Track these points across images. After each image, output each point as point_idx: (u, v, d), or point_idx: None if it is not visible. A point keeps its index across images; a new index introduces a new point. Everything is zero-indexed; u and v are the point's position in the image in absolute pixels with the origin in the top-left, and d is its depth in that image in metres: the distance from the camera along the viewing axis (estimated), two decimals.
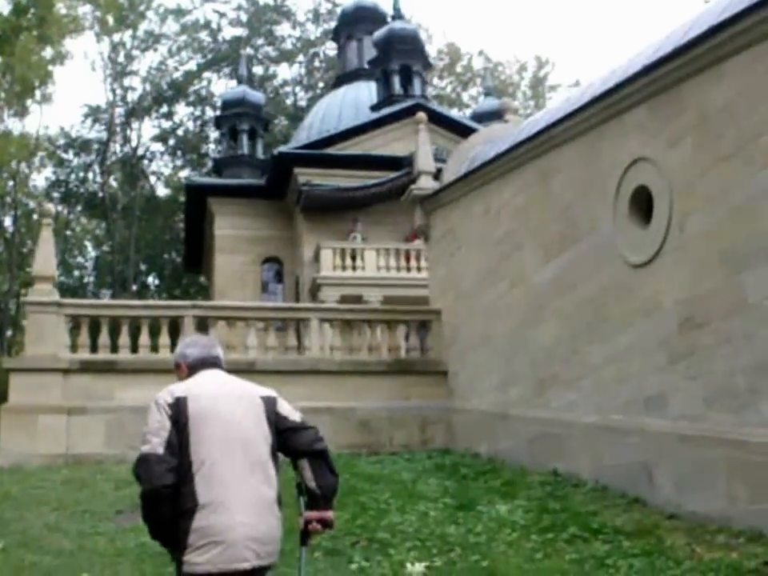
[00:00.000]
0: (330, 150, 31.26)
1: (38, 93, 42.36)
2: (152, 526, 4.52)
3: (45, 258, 16.61)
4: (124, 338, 16.61)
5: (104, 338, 16.61)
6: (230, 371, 13.76)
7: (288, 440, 4.74)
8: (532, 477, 12.13)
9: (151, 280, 58.55)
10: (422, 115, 19.88)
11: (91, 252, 58.68)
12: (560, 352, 12.86)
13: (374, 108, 34.31)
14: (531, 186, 14.13)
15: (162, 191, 57.25)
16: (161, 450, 4.42)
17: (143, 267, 56.47)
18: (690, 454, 9.60)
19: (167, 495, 4.39)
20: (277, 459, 4.70)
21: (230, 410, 4.63)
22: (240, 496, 4.44)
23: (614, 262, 11.50)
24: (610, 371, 11.47)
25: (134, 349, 16.66)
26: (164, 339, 16.70)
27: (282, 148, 33.38)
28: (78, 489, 12.13)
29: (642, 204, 11.00)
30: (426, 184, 18.57)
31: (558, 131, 13.18)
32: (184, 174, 57.04)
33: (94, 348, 16.62)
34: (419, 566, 7.48)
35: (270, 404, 4.77)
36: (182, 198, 55.31)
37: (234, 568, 4.37)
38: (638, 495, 10.29)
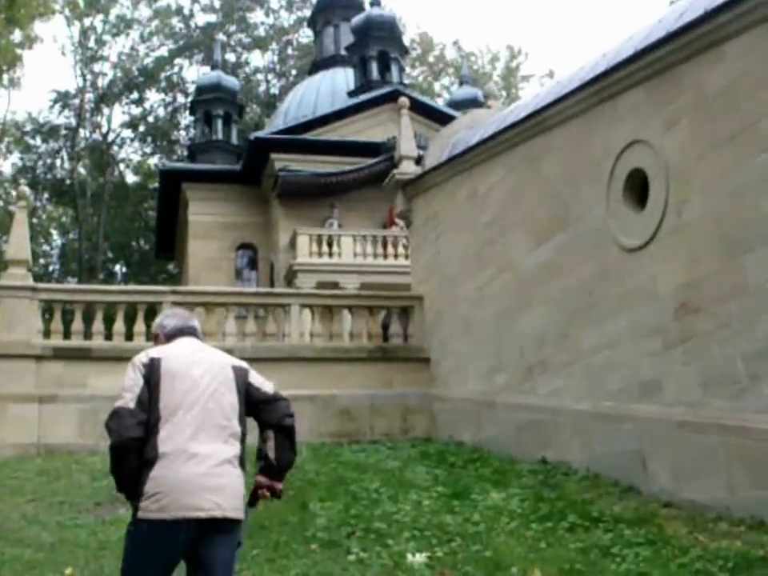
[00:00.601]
0: (308, 136, 30.94)
1: (5, 77, 41.66)
2: (118, 479, 4.65)
3: (19, 242, 16.16)
4: (98, 325, 16.17)
5: (78, 324, 16.17)
6: None
7: (261, 412, 4.95)
8: (521, 465, 11.92)
9: (119, 268, 57.92)
10: (404, 100, 19.64)
11: (57, 240, 58.02)
12: (549, 338, 12.66)
13: (351, 94, 34.06)
14: (520, 170, 13.92)
15: (131, 178, 56.75)
16: (132, 405, 4.61)
17: (110, 255, 55.85)
18: (687, 441, 9.42)
19: (135, 447, 4.54)
20: (244, 424, 4.86)
21: (200, 374, 4.81)
22: (201, 449, 4.58)
23: (606, 246, 11.31)
24: (602, 357, 11.28)
25: (109, 336, 16.26)
26: (140, 326, 16.32)
27: (259, 133, 33.06)
28: (54, 479, 11.74)
29: (637, 187, 10.84)
30: (408, 169, 18.31)
31: (548, 114, 12.97)
32: (154, 161, 56.64)
33: (67, 334, 16.21)
34: (420, 557, 7.24)
35: (241, 373, 4.95)
36: (153, 185, 55.15)
37: (187, 516, 4.46)
38: (632, 483, 10.14)
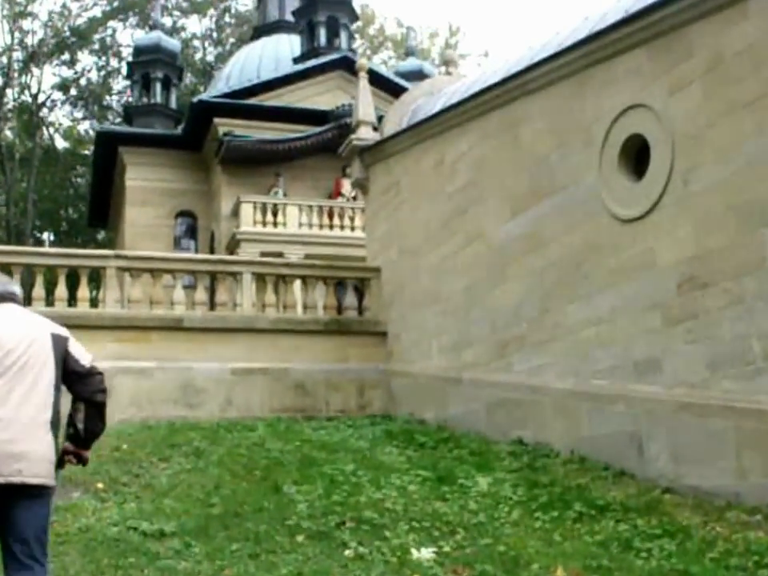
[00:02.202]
0: (252, 101, 29.86)
1: None
2: None
3: None
4: (38, 290, 15.07)
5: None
6: (155, 328, 12.27)
7: (74, 383, 4.99)
8: (498, 446, 11.25)
9: (47, 236, 56.10)
10: (363, 62, 18.84)
11: None
12: (527, 313, 11.99)
13: (297, 60, 32.93)
14: (495, 136, 13.20)
15: (60, 144, 54.91)
16: None
17: (38, 223, 54.02)
18: (691, 423, 8.84)
19: None
20: (58, 390, 4.92)
21: (18, 339, 4.81)
22: (10, 414, 4.63)
23: (597, 216, 10.66)
24: (590, 333, 10.64)
25: (50, 302, 15.20)
26: (83, 292, 15.33)
27: (203, 96, 31.90)
28: None
29: (635, 154, 10.20)
30: (366, 135, 17.48)
31: (530, 77, 12.26)
32: (85, 126, 54.95)
33: None
34: (426, 552, 6.52)
35: (60, 341, 4.96)
36: (84, 152, 53.54)
37: None
38: (625, 467, 9.56)
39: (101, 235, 52.30)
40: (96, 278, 16.08)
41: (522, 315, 12.07)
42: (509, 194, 12.64)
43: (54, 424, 4.87)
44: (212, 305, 17.35)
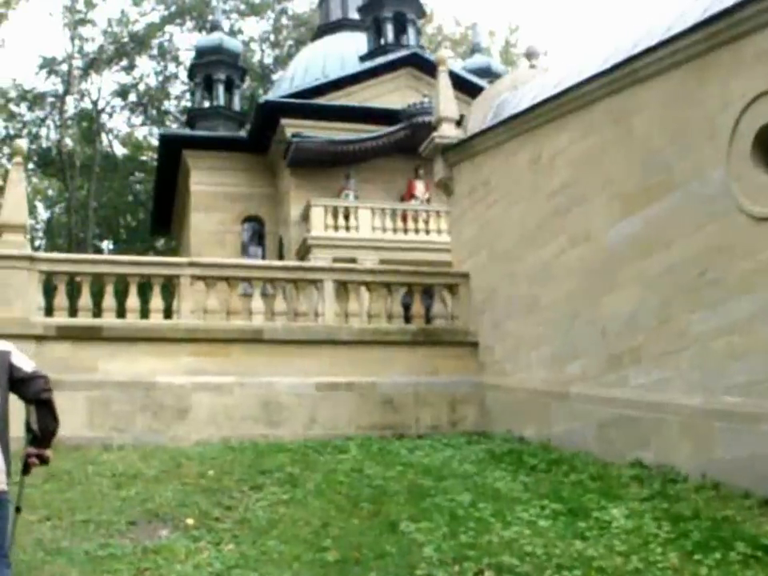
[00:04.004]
0: (320, 101, 28.99)
1: None
2: None
3: (15, 204, 14.03)
4: (109, 300, 14.27)
5: (86, 299, 14.29)
6: (234, 340, 13.03)
7: (19, 388, 5.52)
8: (617, 469, 10.20)
9: (105, 245, 55.67)
10: (442, 56, 17.95)
11: (42, 213, 55.66)
12: (643, 322, 10.93)
13: (363, 58, 31.99)
14: (601, 129, 12.17)
15: (119, 150, 54.58)
16: None
17: (97, 231, 53.64)
18: None
19: None
20: (6, 400, 5.49)
21: None
22: None
23: (726, 214, 9.63)
24: (721, 344, 9.57)
25: (121, 313, 14.34)
26: (156, 302, 14.48)
27: (269, 96, 31.08)
28: (68, 486, 9.76)
29: None
30: (449, 132, 16.54)
31: (641, 65, 11.24)
32: (143, 132, 54.59)
33: (73, 311, 14.34)
34: None
35: (2, 356, 5.51)
36: (142, 158, 53.16)
37: None
38: None
39: (159, 243, 51.76)
40: (168, 288, 15.20)
41: (638, 324, 11.03)
42: (618, 192, 11.61)
43: (4, 434, 5.49)
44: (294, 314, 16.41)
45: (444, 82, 17.05)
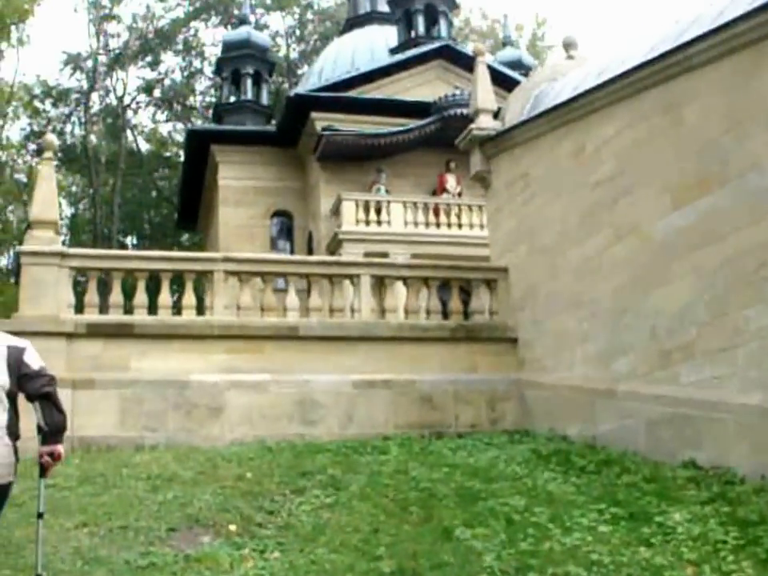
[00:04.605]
0: (350, 94, 28.63)
1: (14, 36, 39.65)
2: None
3: (45, 199, 13.79)
4: (141, 297, 13.94)
5: (117, 295, 13.99)
6: (269, 337, 12.99)
7: (23, 385, 5.56)
8: (671, 470, 9.78)
9: (130, 240, 55.55)
10: (480, 46, 17.53)
11: (65, 210, 55.52)
12: (697, 317, 10.51)
13: (394, 51, 31.66)
14: (649, 119, 11.76)
15: (143, 146, 54.46)
16: None
17: (121, 226, 53.53)
18: None
19: None
20: (14, 399, 5.55)
21: None
22: None
23: None
24: None
25: (153, 309, 14.02)
26: (189, 298, 14.18)
27: (299, 89, 30.76)
28: (103, 490, 9.37)
29: None
30: (486, 123, 16.14)
31: (693, 52, 10.80)
32: (167, 128, 54.50)
33: (104, 308, 14.05)
34: None
35: (15, 352, 5.57)
36: (167, 154, 53.07)
37: None
38: None
39: (184, 238, 51.60)
40: (201, 283, 14.91)
41: (690, 320, 10.62)
42: (669, 183, 11.20)
43: (13, 429, 5.49)
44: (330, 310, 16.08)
45: (482, 72, 16.67)
